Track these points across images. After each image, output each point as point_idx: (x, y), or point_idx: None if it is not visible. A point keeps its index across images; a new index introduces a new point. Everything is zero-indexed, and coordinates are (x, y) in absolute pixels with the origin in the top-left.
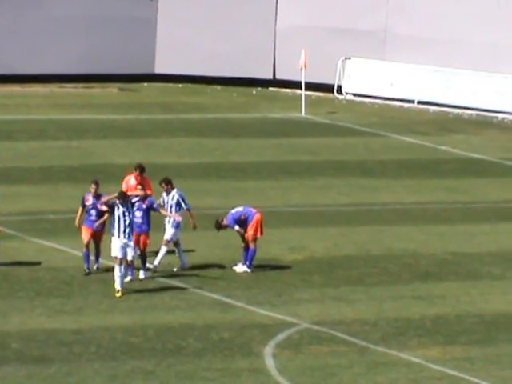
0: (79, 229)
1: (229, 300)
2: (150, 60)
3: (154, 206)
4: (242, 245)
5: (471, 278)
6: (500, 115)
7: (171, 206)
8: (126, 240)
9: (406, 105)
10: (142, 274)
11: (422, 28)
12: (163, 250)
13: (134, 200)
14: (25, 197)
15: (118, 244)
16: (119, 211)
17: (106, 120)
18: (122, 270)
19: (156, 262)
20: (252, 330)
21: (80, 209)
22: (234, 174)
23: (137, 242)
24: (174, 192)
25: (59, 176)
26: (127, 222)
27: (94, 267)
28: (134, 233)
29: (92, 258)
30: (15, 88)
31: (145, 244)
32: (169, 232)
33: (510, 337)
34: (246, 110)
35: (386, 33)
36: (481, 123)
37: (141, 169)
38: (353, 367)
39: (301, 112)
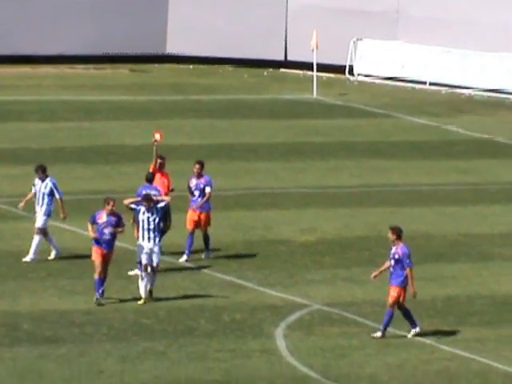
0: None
1: (240, 281)
2: (161, 41)
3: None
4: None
5: (482, 260)
6: None
7: (43, 194)
8: (150, 246)
9: (418, 86)
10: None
11: (434, 9)
12: (36, 239)
13: (158, 206)
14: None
15: (142, 249)
16: (144, 216)
17: (117, 101)
18: (146, 276)
19: (31, 255)
20: (263, 312)
21: (89, 226)
22: (245, 155)
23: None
24: (48, 180)
25: (70, 157)
26: (151, 227)
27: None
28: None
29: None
30: (26, 69)
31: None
32: (40, 220)
33: None
34: (258, 92)
35: (398, 14)
36: (493, 104)
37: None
38: (364, 348)
39: (312, 93)
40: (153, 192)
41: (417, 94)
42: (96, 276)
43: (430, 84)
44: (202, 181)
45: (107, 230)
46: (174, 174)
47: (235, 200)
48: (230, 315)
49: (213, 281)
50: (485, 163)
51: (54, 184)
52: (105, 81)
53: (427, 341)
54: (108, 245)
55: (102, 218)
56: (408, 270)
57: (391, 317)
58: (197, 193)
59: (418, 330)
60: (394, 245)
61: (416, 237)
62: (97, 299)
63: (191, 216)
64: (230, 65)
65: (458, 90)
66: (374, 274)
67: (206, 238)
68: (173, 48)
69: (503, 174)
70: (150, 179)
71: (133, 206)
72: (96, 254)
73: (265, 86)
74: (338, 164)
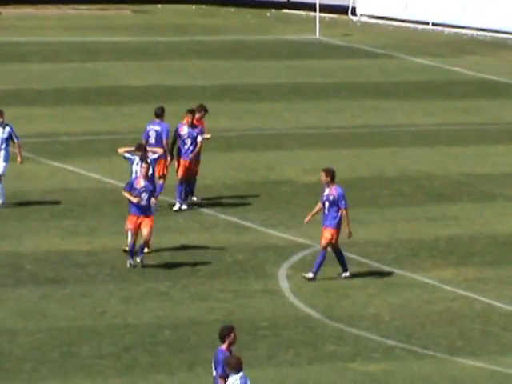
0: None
1: (243, 222)
2: None
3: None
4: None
5: (485, 200)
6: None
7: (2, 140)
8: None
9: (421, 26)
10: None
11: None
12: None
13: (151, 157)
14: (38, 118)
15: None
16: (137, 167)
17: (120, 42)
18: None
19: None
20: (266, 252)
21: (127, 193)
22: (247, 96)
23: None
24: (7, 125)
25: (73, 98)
26: None
27: (138, 259)
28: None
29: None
30: (29, 10)
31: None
32: (1, 167)
33: None
34: (260, 32)
35: None
36: (495, 44)
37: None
38: (366, 288)
39: (315, 34)
40: (156, 127)
41: (419, 35)
42: (129, 247)
43: (433, 24)
44: (196, 130)
45: (145, 196)
46: (175, 115)
47: (238, 141)
48: (232, 256)
49: (215, 222)
50: (487, 103)
51: (11, 129)
52: (108, 22)
53: (430, 281)
54: (145, 210)
55: (140, 183)
56: (344, 210)
57: (324, 258)
58: (189, 141)
59: (347, 274)
60: (328, 186)
61: (418, 177)
62: (130, 264)
63: (183, 163)
64: (233, 5)
65: (461, 31)
66: (306, 219)
67: (191, 187)
68: None
69: (506, 115)
70: (158, 114)
71: (127, 155)
72: (130, 223)
73: (268, 27)
74: (340, 104)
